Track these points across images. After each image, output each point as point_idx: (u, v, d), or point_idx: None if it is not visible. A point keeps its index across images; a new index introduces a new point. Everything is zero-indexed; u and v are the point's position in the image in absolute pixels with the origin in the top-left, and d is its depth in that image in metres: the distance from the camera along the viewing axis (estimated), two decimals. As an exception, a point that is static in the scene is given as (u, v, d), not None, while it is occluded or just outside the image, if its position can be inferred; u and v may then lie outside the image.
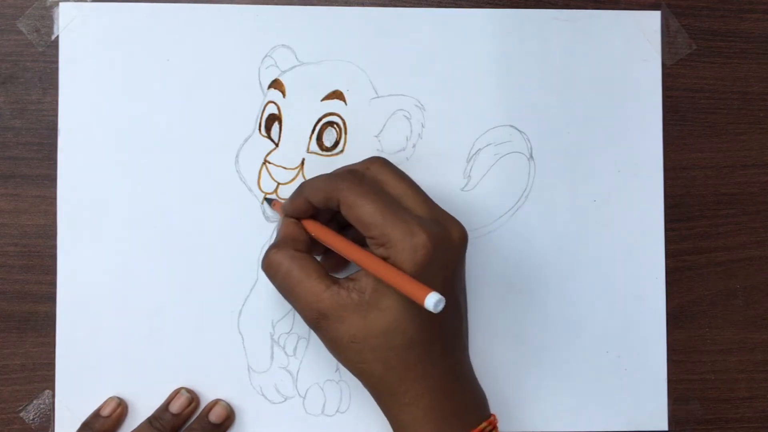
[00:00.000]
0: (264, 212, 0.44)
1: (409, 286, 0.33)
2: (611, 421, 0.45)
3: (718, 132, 0.46)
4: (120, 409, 0.42)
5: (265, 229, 0.44)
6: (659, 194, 0.46)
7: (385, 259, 0.35)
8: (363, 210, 0.35)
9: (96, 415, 0.42)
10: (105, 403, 0.42)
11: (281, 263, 0.37)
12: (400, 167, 0.44)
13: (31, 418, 0.43)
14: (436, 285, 0.33)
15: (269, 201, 0.44)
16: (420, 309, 0.33)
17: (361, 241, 0.37)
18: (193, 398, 0.43)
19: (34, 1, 0.44)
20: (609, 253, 0.45)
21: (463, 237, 0.38)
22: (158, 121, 0.44)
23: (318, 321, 0.37)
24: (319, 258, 0.41)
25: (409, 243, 0.34)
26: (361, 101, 0.45)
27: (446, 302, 0.32)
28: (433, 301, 0.32)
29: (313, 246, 0.39)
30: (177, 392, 0.43)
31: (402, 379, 0.36)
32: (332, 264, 0.42)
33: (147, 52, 0.44)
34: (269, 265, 0.38)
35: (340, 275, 0.39)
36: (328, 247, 0.38)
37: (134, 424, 0.43)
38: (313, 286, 0.36)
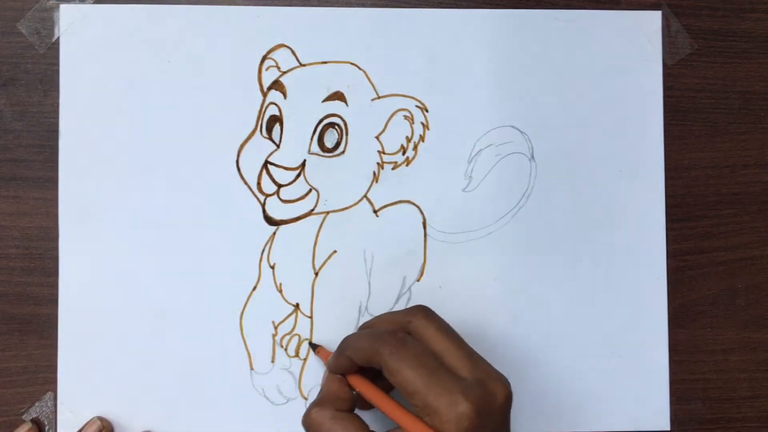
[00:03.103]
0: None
1: None
2: (613, 421, 0.45)
3: (719, 132, 0.46)
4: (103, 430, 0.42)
5: (265, 230, 0.44)
6: (660, 194, 0.46)
7: (429, 426, 0.35)
8: (405, 377, 0.35)
9: None
10: (87, 425, 0.42)
11: (323, 423, 0.36)
12: (401, 168, 0.45)
13: (33, 419, 0.43)
14: None
15: (314, 347, 0.43)
16: None
17: None
18: (104, 426, 0.42)
19: (35, 3, 0.44)
20: (610, 253, 0.45)
21: (507, 397, 0.36)
22: (159, 122, 0.44)
23: None
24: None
25: (454, 413, 0.34)
26: (362, 102, 0.45)
27: None
28: None
29: (361, 399, 0.39)
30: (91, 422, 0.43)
31: None
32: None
33: (148, 54, 0.44)
34: (310, 424, 0.37)
35: None
36: (375, 405, 0.38)
37: (135, 428, 0.43)
38: None
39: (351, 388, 0.39)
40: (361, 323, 0.44)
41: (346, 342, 0.38)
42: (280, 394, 0.44)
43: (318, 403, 0.37)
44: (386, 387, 0.39)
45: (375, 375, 0.39)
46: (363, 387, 0.38)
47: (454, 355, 0.36)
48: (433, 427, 0.34)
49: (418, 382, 0.34)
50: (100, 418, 0.42)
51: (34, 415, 0.43)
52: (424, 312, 0.39)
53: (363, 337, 0.38)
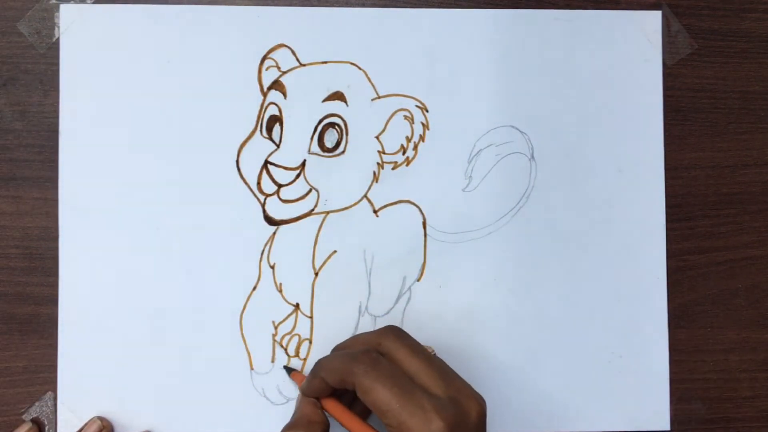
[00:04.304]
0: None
1: None
2: (613, 421, 0.45)
3: (719, 131, 0.46)
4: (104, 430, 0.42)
5: (265, 230, 0.44)
6: (660, 194, 0.46)
7: None
8: (378, 396, 0.35)
9: None
10: (87, 425, 0.42)
11: None
12: (401, 168, 0.45)
13: (33, 419, 0.43)
14: None
15: (289, 371, 0.43)
16: None
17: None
18: (104, 426, 0.43)
19: (35, 3, 0.44)
20: (610, 253, 0.45)
21: (481, 414, 0.36)
22: (159, 122, 0.44)
23: None
24: None
25: (427, 431, 0.34)
26: (362, 102, 0.45)
27: None
28: None
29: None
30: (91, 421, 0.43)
31: None
32: None
33: (148, 54, 0.44)
34: None
35: None
36: (348, 429, 0.38)
37: (135, 428, 0.43)
38: None
39: (324, 412, 0.39)
40: (361, 323, 0.44)
41: (319, 364, 0.38)
42: (280, 394, 0.44)
43: (291, 427, 0.38)
44: (362, 413, 0.40)
45: (350, 400, 0.39)
46: (336, 411, 0.39)
47: (426, 374, 0.36)
48: None
49: (392, 401, 0.34)
50: (100, 418, 0.42)
51: (35, 415, 0.43)
52: (395, 332, 0.39)
53: (336, 358, 0.38)
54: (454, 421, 0.34)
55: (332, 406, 0.39)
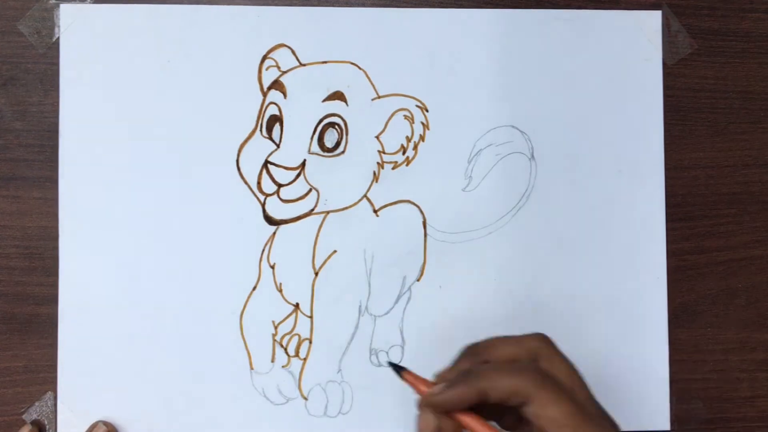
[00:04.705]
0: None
1: None
2: (613, 421, 0.45)
3: (719, 131, 0.46)
4: None
5: (265, 230, 0.44)
6: (660, 194, 0.46)
7: None
8: (556, 413, 0.32)
9: None
10: (92, 429, 0.42)
11: None
12: (401, 168, 0.45)
13: (34, 419, 0.43)
14: None
15: (398, 368, 0.36)
16: None
17: None
18: (109, 430, 0.42)
19: (35, 2, 0.44)
20: (610, 253, 0.45)
21: None
22: (159, 122, 0.44)
23: None
24: None
25: None
26: (362, 102, 0.45)
27: None
28: None
29: None
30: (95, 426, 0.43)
31: None
32: None
33: (148, 54, 0.44)
34: None
35: None
36: None
37: (135, 428, 0.43)
38: None
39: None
40: (361, 323, 0.44)
41: (479, 375, 0.33)
42: (280, 394, 0.44)
43: None
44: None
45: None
46: (481, 428, 0.33)
47: (580, 392, 0.34)
48: None
49: (568, 418, 0.32)
50: (105, 423, 0.42)
51: (35, 415, 0.43)
52: (549, 341, 0.36)
53: (502, 371, 0.33)
54: None
55: (474, 423, 0.33)
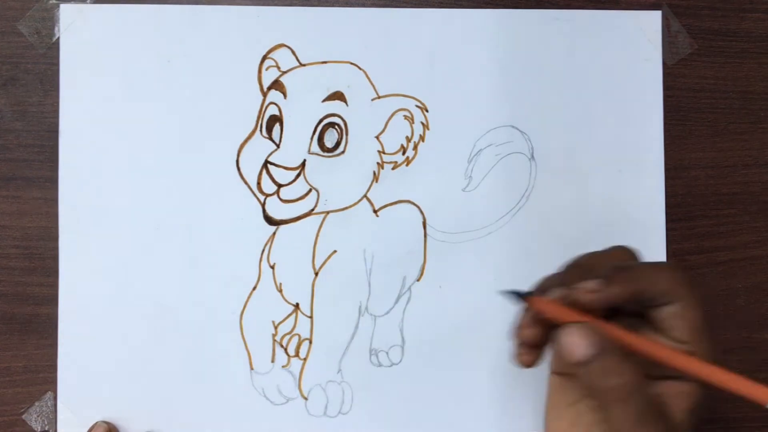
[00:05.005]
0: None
1: (752, 389, 0.30)
2: (613, 421, 0.45)
3: (719, 131, 0.46)
4: None
5: (265, 230, 0.44)
6: (660, 194, 0.46)
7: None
8: (698, 315, 0.30)
9: None
10: (93, 429, 0.43)
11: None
12: (401, 168, 0.45)
13: (34, 420, 0.43)
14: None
15: (523, 295, 0.32)
16: None
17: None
18: (110, 430, 0.43)
19: (35, 2, 0.44)
20: (610, 253, 0.45)
21: None
22: (159, 122, 0.44)
23: None
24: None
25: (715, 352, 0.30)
26: (362, 102, 0.45)
27: None
28: None
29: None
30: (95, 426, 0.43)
31: None
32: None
33: (148, 54, 0.44)
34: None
35: None
36: (647, 357, 0.30)
37: (135, 428, 0.43)
38: None
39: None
40: (361, 323, 0.44)
41: (637, 272, 0.30)
42: (280, 394, 0.44)
43: (641, 423, 0.28)
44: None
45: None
46: (628, 337, 0.30)
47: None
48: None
49: (704, 325, 0.30)
50: (106, 422, 0.42)
51: (35, 415, 0.43)
52: (679, 267, 0.32)
53: (658, 269, 0.30)
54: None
55: (622, 333, 0.29)
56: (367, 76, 0.45)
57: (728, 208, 0.46)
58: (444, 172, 0.45)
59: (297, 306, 0.44)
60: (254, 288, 0.44)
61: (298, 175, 0.44)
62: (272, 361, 0.44)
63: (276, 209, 0.44)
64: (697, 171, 0.46)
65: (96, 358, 0.43)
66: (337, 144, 0.45)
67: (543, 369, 0.45)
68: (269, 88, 0.44)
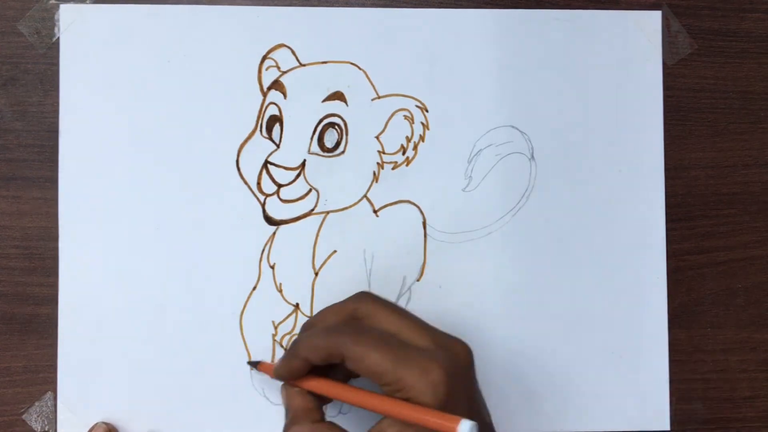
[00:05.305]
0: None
1: (438, 420, 0.32)
2: (613, 422, 0.45)
3: (719, 131, 0.46)
4: None
5: (265, 230, 0.44)
6: (660, 194, 0.46)
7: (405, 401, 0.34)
8: (371, 361, 0.34)
9: None
10: (92, 429, 0.43)
11: None
12: (401, 168, 0.45)
13: (34, 420, 0.43)
14: (463, 412, 0.33)
15: (253, 364, 0.42)
16: None
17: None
18: (110, 430, 0.43)
19: (35, 2, 0.44)
20: (610, 253, 0.45)
21: (469, 355, 0.37)
22: (159, 122, 0.44)
23: None
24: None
25: (427, 381, 0.33)
26: (362, 102, 0.45)
27: (478, 426, 0.32)
28: (467, 427, 0.32)
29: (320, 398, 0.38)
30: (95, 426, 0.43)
31: None
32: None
33: (148, 54, 0.44)
34: None
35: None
36: (344, 401, 0.37)
37: (135, 428, 0.43)
38: None
39: (313, 396, 0.37)
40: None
41: (298, 344, 0.37)
42: (280, 394, 0.44)
43: (292, 422, 0.36)
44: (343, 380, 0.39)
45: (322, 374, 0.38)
46: (325, 388, 0.37)
47: (409, 328, 0.36)
48: (409, 401, 0.34)
49: (385, 362, 0.34)
50: (106, 423, 0.42)
51: (35, 415, 0.43)
52: (367, 295, 0.38)
53: (316, 335, 0.36)
54: (448, 366, 0.34)
55: (320, 385, 0.37)
56: (367, 76, 0.45)
57: (728, 208, 0.46)
58: (444, 172, 0.45)
59: (297, 306, 0.44)
60: (254, 288, 0.44)
61: (298, 175, 0.44)
62: (272, 361, 0.44)
63: (276, 209, 0.44)
64: (697, 171, 0.46)
65: (96, 358, 0.43)
66: (337, 144, 0.45)
67: (543, 371, 0.45)
68: (269, 88, 0.44)
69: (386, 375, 0.34)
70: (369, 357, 0.34)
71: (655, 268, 0.46)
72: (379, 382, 0.35)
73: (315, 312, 0.44)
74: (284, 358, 0.37)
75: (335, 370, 0.38)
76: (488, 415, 0.39)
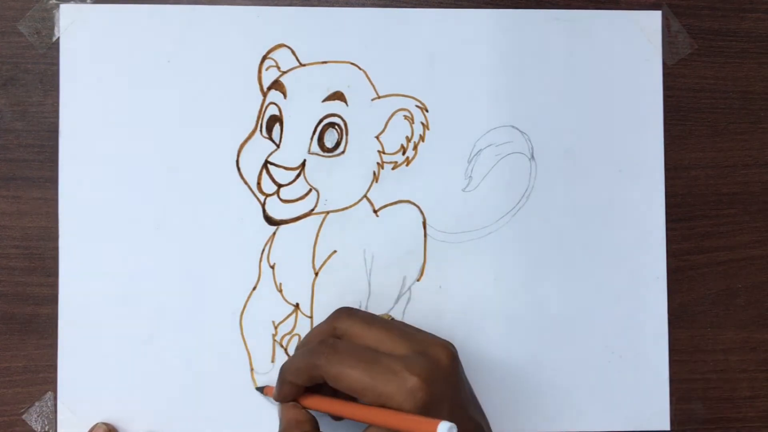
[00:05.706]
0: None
1: (417, 425, 0.33)
2: (613, 421, 0.45)
3: (719, 131, 0.46)
4: None
5: (265, 230, 0.44)
6: (660, 194, 0.46)
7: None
8: (349, 378, 0.35)
9: None
10: (92, 429, 0.43)
11: None
12: (401, 168, 0.45)
13: (34, 420, 0.43)
14: (445, 414, 0.34)
15: (260, 390, 0.43)
16: None
17: None
18: (110, 431, 0.43)
19: (35, 2, 0.44)
20: (610, 253, 0.45)
21: (451, 357, 0.37)
22: (159, 122, 0.44)
23: None
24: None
25: (404, 390, 0.34)
26: (362, 102, 0.45)
27: (460, 426, 0.33)
28: (445, 428, 0.32)
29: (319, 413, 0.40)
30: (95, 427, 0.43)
31: None
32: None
33: (147, 54, 0.44)
34: None
35: None
36: (333, 414, 0.39)
37: (134, 428, 0.43)
38: None
39: (307, 410, 0.39)
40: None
41: (283, 369, 0.39)
42: (280, 394, 0.44)
43: None
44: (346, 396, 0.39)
45: (333, 389, 0.39)
46: (318, 403, 0.39)
47: (387, 339, 0.37)
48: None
49: (363, 377, 0.35)
50: (105, 424, 0.42)
51: (35, 415, 0.43)
52: (345, 312, 0.39)
53: (296, 358, 0.38)
54: (426, 372, 0.35)
55: (314, 401, 0.39)
56: (367, 76, 0.45)
57: (728, 208, 0.46)
58: (444, 172, 0.45)
59: (297, 306, 0.44)
60: (254, 288, 0.44)
61: (298, 175, 0.44)
62: (272, 362, 0.44)
63: (276, 209, 0.44)
64: (697, 171, 0.46)
65: (96, 358, 0.43)
66: (337, 144, 0.45)
67: (543, 370, 0.45)
68: (269, 88, 0.44)
69: (365, 390, 0.35)
70: (346, 375, 0.35)
71: (655, 268, 0.46)
72: (360, 397, 0.35)
73: (315, 312, 0.44)
74: (277, 383, 0.39)
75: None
76: (479, 412, 0.39)
